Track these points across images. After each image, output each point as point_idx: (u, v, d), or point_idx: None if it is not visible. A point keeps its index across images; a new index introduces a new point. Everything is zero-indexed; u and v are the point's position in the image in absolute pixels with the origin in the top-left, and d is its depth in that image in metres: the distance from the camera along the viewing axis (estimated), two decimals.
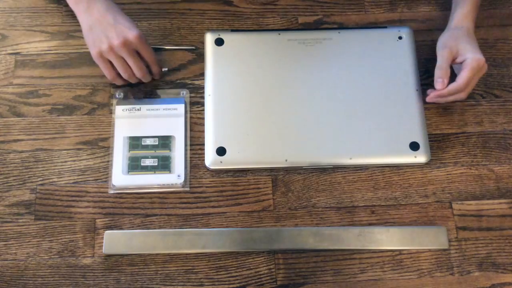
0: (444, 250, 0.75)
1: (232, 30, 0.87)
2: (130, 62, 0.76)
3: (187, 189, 0.78)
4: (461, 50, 0.78)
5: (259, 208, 0.77)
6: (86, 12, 0.76)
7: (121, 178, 0.77)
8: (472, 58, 0.76)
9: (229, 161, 0.78)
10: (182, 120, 0.81)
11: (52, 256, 0.74)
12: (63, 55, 0.85)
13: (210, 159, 0.78)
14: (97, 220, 0.76)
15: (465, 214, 0.77)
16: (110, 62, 0.77)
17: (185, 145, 0.79)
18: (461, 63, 0.78)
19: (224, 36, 0.85)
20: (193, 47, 0.85)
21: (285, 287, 0.73)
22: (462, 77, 0.76)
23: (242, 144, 0.78)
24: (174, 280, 0.73)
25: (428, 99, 0.80)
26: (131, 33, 0.74)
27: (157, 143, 0.79)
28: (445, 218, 0.77)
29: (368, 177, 0.79)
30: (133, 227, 0.76)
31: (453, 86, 0.77)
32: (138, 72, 0.77)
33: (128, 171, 0.77)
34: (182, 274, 0.73)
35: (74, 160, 0.79)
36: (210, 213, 0.77)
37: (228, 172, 0.79)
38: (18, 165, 0.78)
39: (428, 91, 0.81)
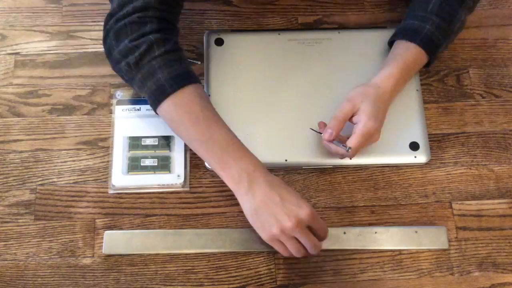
0: (444, 250, 0.75)
1: (232, 30, 0.87)
2: (303, 240, 0.68)
3: (187, 189, 0.77)
4: (361, 110, 0.73)
5: None
6: (248, 193, 0.68)
7: (121, 178, 0.77)
8: (364, 124, 0.72)
9: None
10: None
11: (52, 256, 0.74)
12: (63, 55, 0.85)
13: None
14: (97, 220, 0.76)
15: (465, 214, 0.77)
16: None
17: (185, 145, 0.79)
18: (356, 123, 0.74)
19: (224, 36, 0.85)
20: (199, 62, 0.85)
21: (285, 287, 0.73)
22: (350, 143, 0.72)
23: None
24: (174, 280, 0.73)
25: (323, 138, 0.75)
26: (303, 212, 0.66)
27: (157, 143, 0.79)
28: (445, 218, 0.77)
29: (368, 177, 0.79)
30: (133, 227, 0.75)
31: (341, 150, 0.73)
32: (313, 250, 0.69)
33: (128, 171, 0.77)
34: (182, 274, 0.73)
35: (74, 160, 0.79)
36: (210, 213, 0.76)
37: None
38: (18, 165, 0.78)
39: (320, 123, 0.76)
